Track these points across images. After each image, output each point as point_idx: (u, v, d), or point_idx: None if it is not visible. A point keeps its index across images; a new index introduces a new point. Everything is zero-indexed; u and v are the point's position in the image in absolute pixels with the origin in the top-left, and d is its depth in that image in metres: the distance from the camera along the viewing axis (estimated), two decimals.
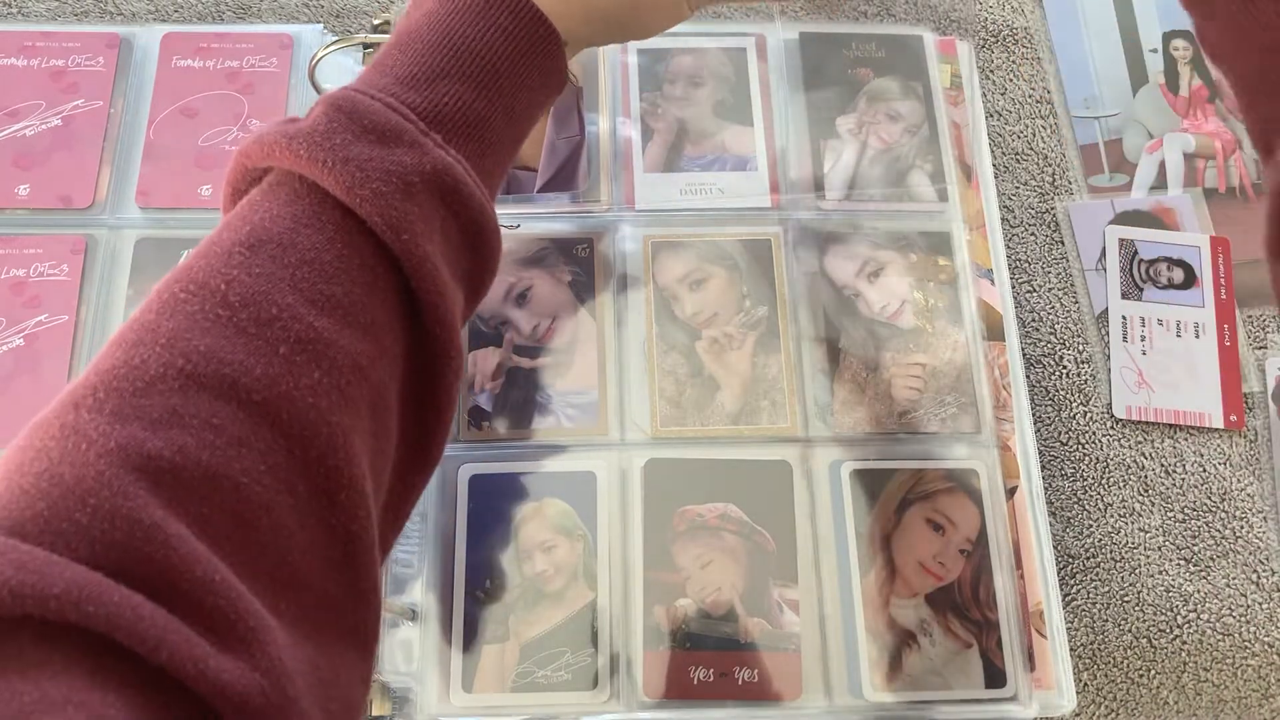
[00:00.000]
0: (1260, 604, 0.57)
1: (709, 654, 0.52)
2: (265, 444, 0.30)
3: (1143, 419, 0.61)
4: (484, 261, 0.39)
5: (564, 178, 0.61)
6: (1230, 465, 0.60)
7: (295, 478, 0.30)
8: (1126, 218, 0.65)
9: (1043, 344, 0.62)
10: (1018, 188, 0.66)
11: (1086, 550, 0.58)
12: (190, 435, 0.28)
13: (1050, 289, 0.64)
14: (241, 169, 0.36)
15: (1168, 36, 0.70)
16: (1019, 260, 0.64)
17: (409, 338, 0.35)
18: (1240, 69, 0.36)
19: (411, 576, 0.54)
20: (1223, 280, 0.63)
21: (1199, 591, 0.57)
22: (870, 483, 0.56)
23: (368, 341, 0.33)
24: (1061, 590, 0.57)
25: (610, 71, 0.65)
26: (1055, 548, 0.57)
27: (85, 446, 0.27)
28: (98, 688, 0.24)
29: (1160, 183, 0.66)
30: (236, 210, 0.35)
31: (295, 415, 0.30)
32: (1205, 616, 0.57)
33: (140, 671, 0.25)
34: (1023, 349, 0.62)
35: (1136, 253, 0.64)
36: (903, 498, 0.55)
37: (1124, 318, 0.63)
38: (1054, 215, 0.66)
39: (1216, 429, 0.60)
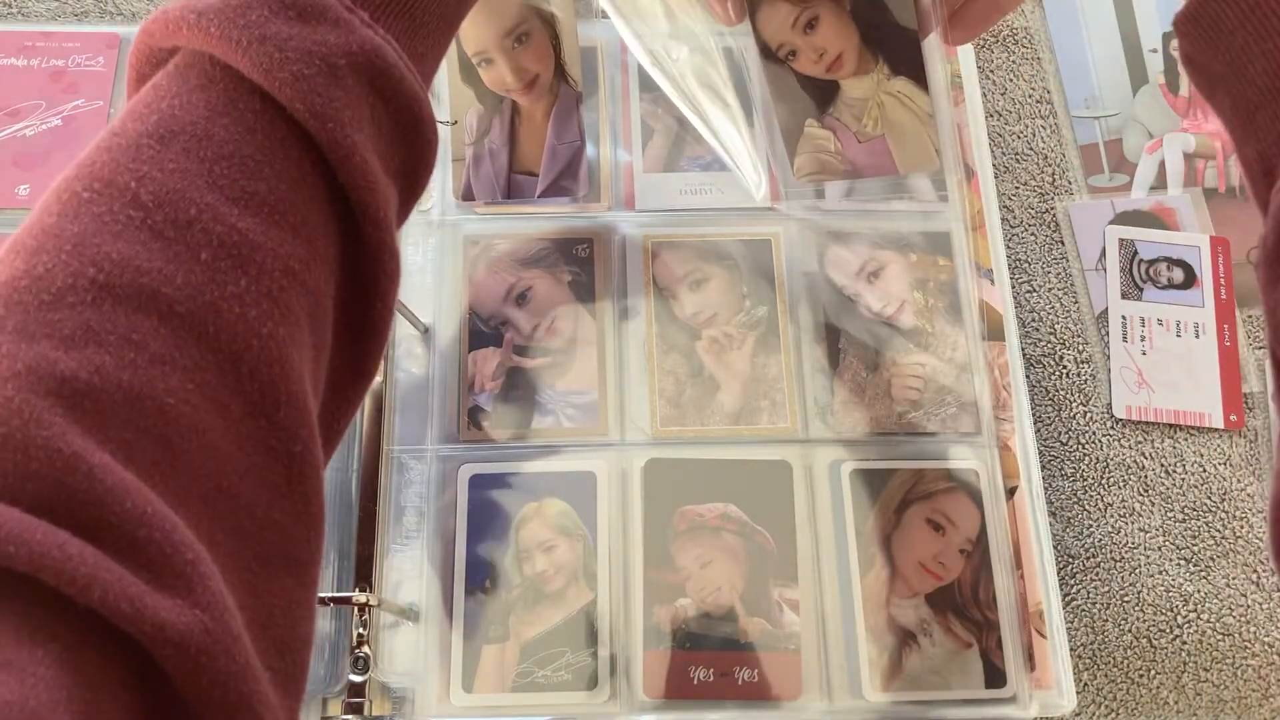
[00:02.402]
0: (1260, 604, 0.57)
1: (709, 654, 0.52)
2: (192, 360, 0.27)
3: (1143, 419, 0.61)
4: (419, 155, 0.35)
5: (565, 182, 0.61)
6: (1230, 465, 0.60)
7: (227, 396, 0.27)
8: (1126, 218, 0.65)
9: (1043, 344, 0.62)
10: (1018, 188, 0.66)
11: (1086, 550, 0.58)
12: (108, 353, 0.25)
13: (1050, 289, 0.64)
14: (145, 49, 0.32)
15: (1168, 36, 0.70)
16: (1019, 260, 0.64)
17: (340, 238, 0.32)
18: (1241, 89, 0.34)
19: (411, 576, 0.54)
20: (1223, 280, 0.63)
21: (1199, 591, 0.57)
22: (870, 483, 0.56)
23: (299, 243, 0.30)
24: (1061, 590, 0.57)
25: (610, 72, 0.65)
26: (1055, 548, 0.57)
27: None
28: (25, 642, 0.22)
29: (1160, 183, 0.66)
30: (139, 97, 0.31)
31: (223, 327, 0.28)
32: (1205, 616, 0.57)
33: (70, 618, 0.23)
34: (1023, 349, 0.62)
35: (1136, 253, 0.64)
36: (903, 498, 0.55)
37: (1124, 318, 0.63)
38: (1054, 215, 0.66)
39: (1216, 429, 0.60)
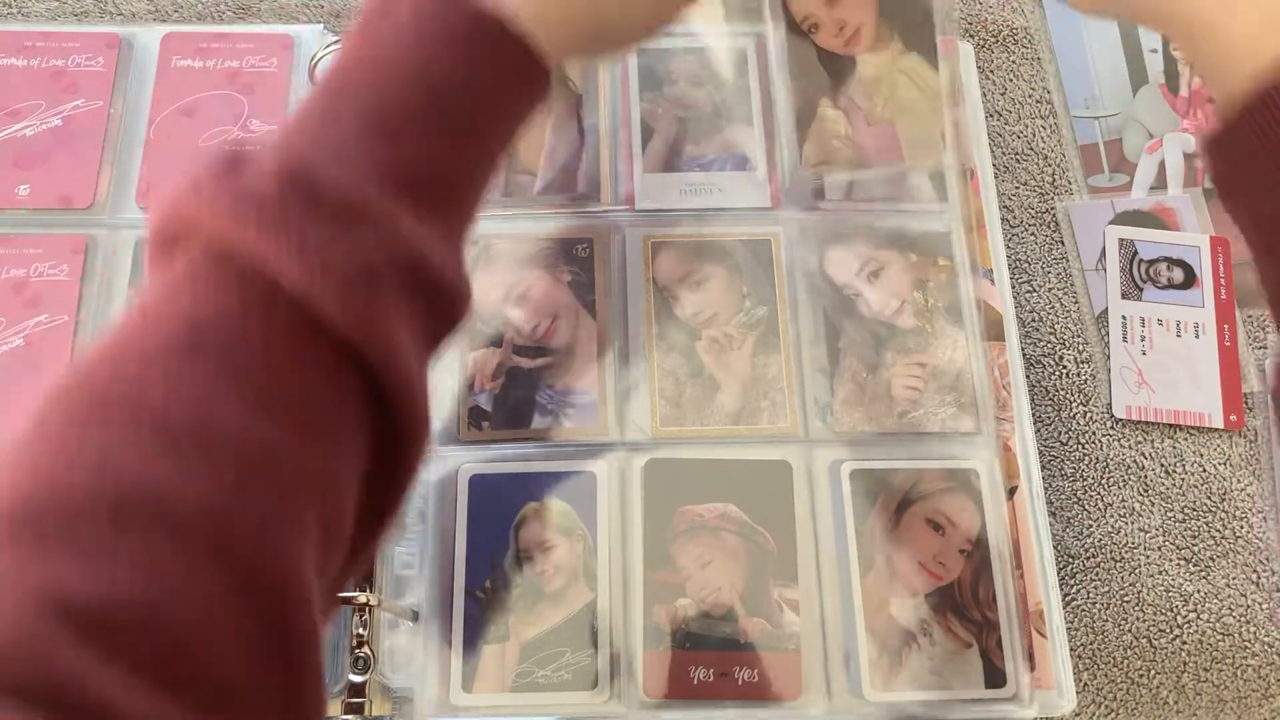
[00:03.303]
0: (1260, 604, 0.57)
1: (709, 654, 0.52)
2: (209, 582, 0.27)
3: (1143, 419, 0.61)
4: (451, 325, 0.35)
5: (563, 182, 0.61)
6: (1230, 465, 0.60)
7: (243, 618, 0.27)
8: (1126, 218, 0.65)
9: (1043, 344, 0.62)
10: (1018, 188, 0.66)
11: (1086, 550, 0.58)
12: (124, 576, 0.25)
13: (1050, 289, 0.64)
14: (176, 217, 0.31)
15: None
16: (1019, 260, 0.64)
17: (374, 429, 0.32)
18: (1265, 206, 0.34)
19: (412, 577, 0.54)
20: (1223, 280, 0.63)
21: (1199, 591, 0.57)
22: (870, 483, 0.56)
23: (325, 446, 0.30)
24: (1061, 590, 0.57)
25: (610, 71, 0.65)
26: (1055, 548, 0.57)
27: (3, 585, 0.24)
28: None
29: (1160, 183, 0.66)
30: (165, 293, 0.30)
31: (245, 551, 0.27)
32: (1205, 616, 0.57)
33: None
34: (1023, 349, 0.62)
35: (1136, 253, 0.64)
36: (903, 498, 0.55)
37: (1124, 318, 0.63)
38: (1054, 215, 0.66)
39: (1216, 429, 0.60)
